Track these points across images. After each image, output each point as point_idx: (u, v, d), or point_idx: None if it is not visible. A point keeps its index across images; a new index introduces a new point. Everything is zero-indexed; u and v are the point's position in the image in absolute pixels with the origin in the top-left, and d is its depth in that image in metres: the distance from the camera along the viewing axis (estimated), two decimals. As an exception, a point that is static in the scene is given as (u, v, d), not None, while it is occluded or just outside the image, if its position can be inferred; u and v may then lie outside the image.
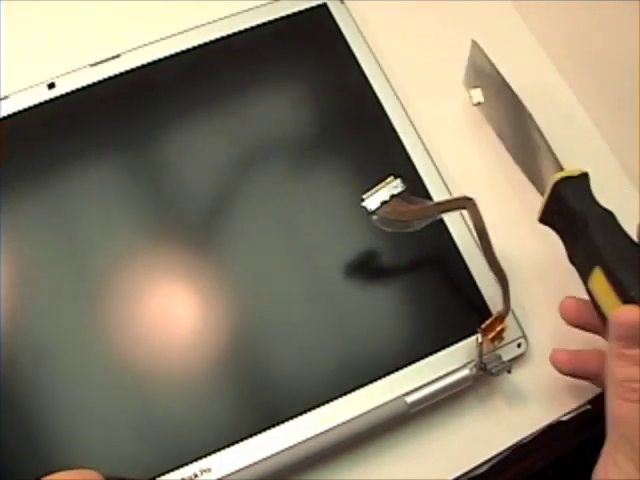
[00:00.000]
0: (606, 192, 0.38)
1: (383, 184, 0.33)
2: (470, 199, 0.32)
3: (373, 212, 0.33)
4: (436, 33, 0.43)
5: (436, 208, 0.33)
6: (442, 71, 0.42)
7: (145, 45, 0.39)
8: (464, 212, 0.34)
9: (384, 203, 0.33)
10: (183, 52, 0.39)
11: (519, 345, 0.35)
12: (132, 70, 0.39)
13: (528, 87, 0.41)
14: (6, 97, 0.38)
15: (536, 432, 0.35)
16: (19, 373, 0.33)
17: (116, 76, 0.39)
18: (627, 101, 0.38)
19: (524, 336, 0.35)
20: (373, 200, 0.33)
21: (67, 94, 0.38)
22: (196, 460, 0.32)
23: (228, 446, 0.32)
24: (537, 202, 0.33)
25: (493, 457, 0.34)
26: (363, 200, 0.33)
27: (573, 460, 0.42)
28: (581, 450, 0.36)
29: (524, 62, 0.42)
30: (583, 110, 0.41)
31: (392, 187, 0.33)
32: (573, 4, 0.40)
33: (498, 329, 0.34)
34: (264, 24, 0.41)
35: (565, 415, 0.35)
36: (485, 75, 0.39)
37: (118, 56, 0.39)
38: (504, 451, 0.34)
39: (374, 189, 0.33)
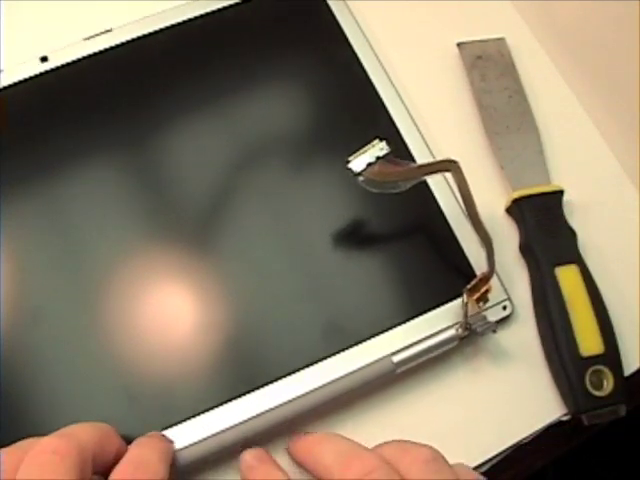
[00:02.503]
0: (606, 192, 0.39)
1: (369, 146, 0.33)
2: (454, 161, 0.33)
3: (359, 174, 0.33)
4: (436, 31, 0.43)
5: (421, 170, 0.34)
6: (442, 70, 0.42)
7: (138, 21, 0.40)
8: (448, 176, 0.35)
9: (370, 165, 0.33)
10: (176, 27, 0.40)
11: (504, 307, 0.35)
12: (125, 43, 0.39)
13: (527, 87, 0.42)
14: (-1, 70, 0.39)
15: (536, 432, 0.34)
16: (17, 360, 0.33)
17: (107, 50, 0.39)
18: (627, 101, 0.38)
19: (509, 298, 0.36)
20: (359, 162, 0.33)
21: (60, 67, 0.39)
22: (179, 423, 0.32)
23: (212, 409, 0.32)
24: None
25: (493, 457, 0.34)
26: (349, 162, 0.33)
27: (573, 460, 0.42)
28: (581, 450, 0.36)
29: (523, 61, 0.42)
30: (583, 110, 0.41)
31: (377, 149, 0.33)
32: (573, 4, 0.40)
33: (483, 290, 0.34)
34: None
35: (565, 415, 0.35)
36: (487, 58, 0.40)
37: (110, 30, 0.40)
38: (504, 451, 0.34)
39: (360, 151, 0.33)
